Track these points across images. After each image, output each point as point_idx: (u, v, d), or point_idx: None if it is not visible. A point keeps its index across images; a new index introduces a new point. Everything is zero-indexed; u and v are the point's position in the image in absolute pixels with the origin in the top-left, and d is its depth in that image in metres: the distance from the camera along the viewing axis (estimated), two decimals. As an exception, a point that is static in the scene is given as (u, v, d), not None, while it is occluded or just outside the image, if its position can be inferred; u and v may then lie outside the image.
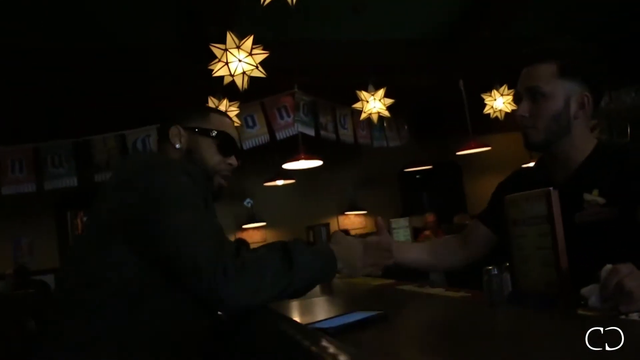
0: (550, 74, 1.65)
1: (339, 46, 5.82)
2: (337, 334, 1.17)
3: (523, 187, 1.68)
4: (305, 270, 1.47)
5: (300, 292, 1.50)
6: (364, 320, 1.28)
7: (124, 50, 5.17)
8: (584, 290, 1.18)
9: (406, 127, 7.82)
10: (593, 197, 1.58)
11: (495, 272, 1.37)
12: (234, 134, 1.87)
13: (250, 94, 5.94)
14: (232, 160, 1.83)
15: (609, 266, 1.15)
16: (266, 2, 2.22)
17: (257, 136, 6.22)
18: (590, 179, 1.61)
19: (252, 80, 4.56)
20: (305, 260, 1.48)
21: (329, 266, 1.57)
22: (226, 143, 1.82)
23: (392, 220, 4.60)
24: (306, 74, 5.91)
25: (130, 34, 5.14)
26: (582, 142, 1.69)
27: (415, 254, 2.14)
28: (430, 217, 7.74)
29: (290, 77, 6.00)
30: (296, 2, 2.19)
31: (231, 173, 1.85)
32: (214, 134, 1.80)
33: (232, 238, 8.67)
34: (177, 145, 1.77)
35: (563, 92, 1.65)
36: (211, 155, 1.79)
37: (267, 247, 1.58)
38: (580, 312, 1.14)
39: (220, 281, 1.32)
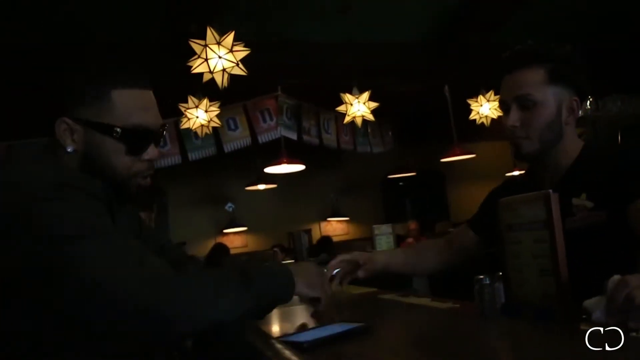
0: (539, 80, 1.57)
1: (324, 47, 5.72)
2: (312, 348, 1.09)
3: (514, 194, 1.66)
4: (265, 283, 1.26)
5: (262, 309, 1.30)
6: (344, 333, 1.17)
7: (99, 44, 5.02)
8: (588, 303, 1.08)
9: (390, 133, 7.73)
10: (581, 201, 1.51)
11: (487, 282, 1.27)
12: (149, 117, 1.33)
13: (233, 96, 5.83)
14: (151, 153, 1.35)
15: (616, 277, 1.05)
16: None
17: (239, 139, 6.11)
18: (578, 183, 1.54)
19: (235, 81, 4.45)
20: (263, 273, 1.28)
21: (286, 282, 1.34)
22: (138, 138, 1.31)
23: (374, 226, 4.53)
24: (290, 76, 5.80)
25: (105, 29, 4.99)
26: (571, 146, 1.62)
27: (393, 257, 2.05)
28: (412, 225, 7.66)
29: (273, 79, 5.89)
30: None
31: (152, 169, 1.38)
32: (119, 133, 1.27)
33: (212, 242, 8.59)
34: (69, 148, 1.27)
35: (554, 99, 1.57)
36: (119, 160, 1.30)
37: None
38: (582, 327, 1.03)
39: (163, 297, 1.08)
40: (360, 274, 1.85)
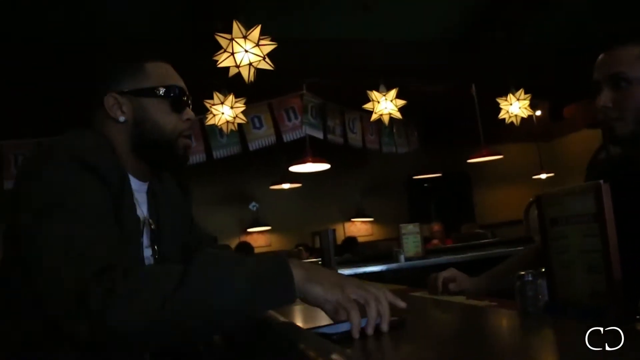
0: (634, 58, 1.47)
1: (348, 46, 5.66)
2: (341, 340, 1.03)
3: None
4: (206, 286, 1.07)
5: (214, 318, 1.09)
6: (376, 327, 1.08)
7: (126, 41, 5.02)
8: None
9: (416, 133, 7.65)
10: None
11: (530, 278, 1.21)
12: (180, 82, 1.51)
13: (258, 94, 5.80)
14: (189, 113, 1.50)
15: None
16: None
17: (264, 137, 6.07)
18: None
19: (260, 78, 4.41)
20: (212, 271, 1.09)
21: (265, 278, 1.10)
22: (178, 97, 1.47)
23: (402, 225, 4.47)
24: (315, 75, 5.75)
25: (130, 26, 4.98)
26: None
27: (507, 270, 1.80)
28: (436, 227, 7.58)
29: (298, 78, 5.85)
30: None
31: (192, 129, 1.57)
32: (161, 92, 1.44)
33: (236, 242, 8.57)
34: (122, 118, 1.41)
35: None
36: (165, 118, 1.44)
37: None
38: (638, 327, 0.96)
39: (99, 301, 1.02)
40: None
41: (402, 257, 4.24)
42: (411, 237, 4.36)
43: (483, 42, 5.95)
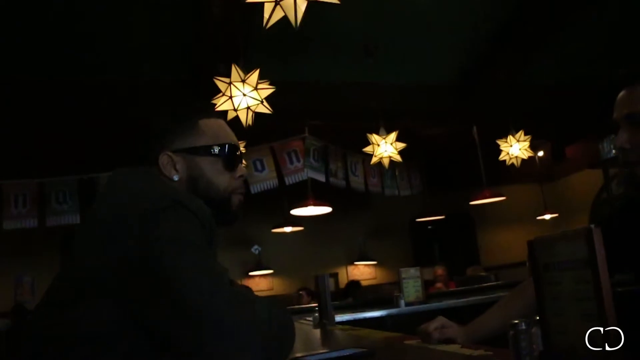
0: None
1: (350, 88, 5.71)
2: None
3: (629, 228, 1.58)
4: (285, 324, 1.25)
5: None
6: (346, 357, 1.32)
7: (133, 85, 5.09)
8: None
9: (418, 175, 7.64)
10: None
11: (523, 327, 1.17)
12: (233, 138, 1.52)
13: (259, 137, 5.82)
14: (241, 170, 1.51)
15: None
16: (269, 25, 2.06)
17: (266, 180, 6.07)
18: None
19: (261, 122, 4.42)
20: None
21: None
22: (231, 155, 1.47)
23: (402, 269, 4.39)
24: (317, 117, 5.78)
25: (136, 69, 5.05)
26: None
27: (492, 321, 1.77)
28: (439, 270, 7.51)
29: (300, 120, 5.88)
30: (300, 26, 2.01)
31: (244, 187, 1.55)
32: (215, 150, 1.44)
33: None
34: (175, 177, 1.42)
35: None
36: (219, 177, 1.45)
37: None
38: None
39: (241, 338, 1.10)
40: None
41: (402, 302, 4.16)
42: (411, 281, 4.30)
43: (483, 84, 6.00)
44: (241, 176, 1.51)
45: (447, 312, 1.96)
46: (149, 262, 1.14)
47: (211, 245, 1.30)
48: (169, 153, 1.42)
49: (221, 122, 1.53)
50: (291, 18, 2.04)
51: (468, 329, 1.72)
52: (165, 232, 1.17)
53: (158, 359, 1.17)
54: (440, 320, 1.69)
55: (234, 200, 1.49)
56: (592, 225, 1.05)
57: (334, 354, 1.37)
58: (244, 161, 1.53)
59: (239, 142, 4.61)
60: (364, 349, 1.36)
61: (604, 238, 1.72)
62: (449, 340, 1.64)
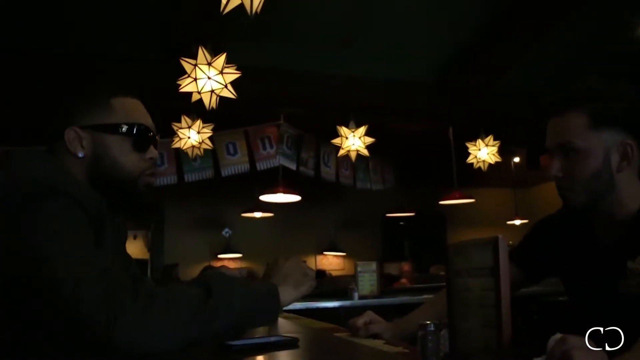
0: (581, 124, 1.44)
1: (325, 79, 5.70)
2: (240, 351, 1.29)
3: (562, 237, 1.64)
4: (228, 302, 1.20)
5: (226, 330, 1.22)
6: (272, 343, 1.38)
7: (99, 56, 5.00)
8: (536, 360, 1.01)
9: (392, 171, 7.67)
10: (636, 265, 1.39)
11: (432, 329, 1.20)
12: (147, 119, 1.49)
13: (234, 121, 5.81)
14: (152, 152, 1.48)
15: (557, 335, 0.98)
16: (225, 11, 2.05)
17: (237, 164, 6.05)
18: (636, 241, 1.41)
19: (237, 107, 4.40)
20: (228, 289, 1.22)
21: (264, 296, 1.31)
22: (141, 135, 1.45)
23: (358, 263, 4.44)
24: (290, 105, 5.78)
25: (108, 44, 4.98)
26: (629, 196, 1.47)
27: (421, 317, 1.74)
28: (405, 267, 7.57)
29: (276, 108, 5.87)
30: (256, 13, 2.00)
31: (155, 167, 1.53)
32: (124, 129, 1.42)
33: (203, 267, 8.43)
34: (80, 154, 1.39)
35: (600, 144, 1.43)
36: (126, 156, 1.43)
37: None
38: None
39: (118, 325, 1.04)
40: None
41: (356, 295, 4.21)
42: (367, 275, 4.34)
43: (460, 86, 6.01)
44: (151, 158, 1.48)
45: (402, 308, 1.99)
46: (23, 251, 1.12)
47: (102, 232, 1.28)
48: (76, 129, 1.40)
49: (136, 102, 1.50)
50: (247, 5, 2.04)
51: (395, 326, 1.76)
52: (42, 222, 1.15)
53: (41, 348, 1.17)
54: (369, 315, 1.72)
55: (141, 182, 1.46)
56: (500, 236, 1.08)
57: (260, 340, 1.41)
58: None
59: (208, 124, 4.57)
60: (290, 337, 1.41)
61: (539, 243, 1.77)
62: (376, 335, 1.68)
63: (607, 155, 1.44)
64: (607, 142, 1.44)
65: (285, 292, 1.36)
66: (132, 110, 1.47)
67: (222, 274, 1.28)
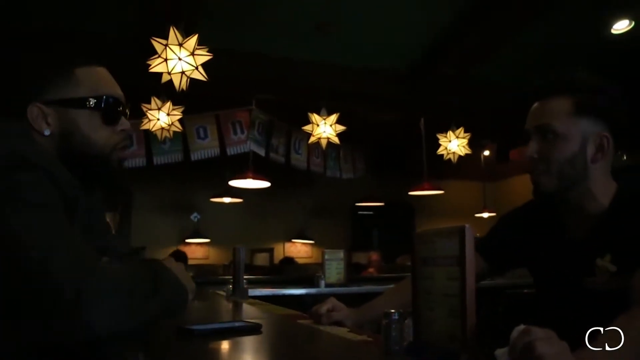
0: (563, 110, 1.45)
1: (298, 65, 5.66)
2: (202, 336, 1.29)
3: (531, 230, 1.63)
4: (171, 286, 1.19)
5: (172, 311, 1.20)
6: (234, 329, 1.39)
7: (74, 31, 4.88)
8: (498, 352, 1.01)
9: (363, 160, 7.68)
10: (604, 262, 1.40)
11: (396, 317, 1.19)
12: (115, 89, 1.39)
13: (205, 105, 5.74)
14: (124, 124, 1.39)
15: (521, 326, 0.98)
16: None
17: (207, 148, 6.01)
18: (605, 240, 1.42)
19: (208, 90, 4.34)
20: (171, 276, 1.20)
21: (183, 294, 1.25)
22: (111, 108, 1.35)
23: (326, 250, 4.42)
24: (263, 90, 5.73)
25: (79, 19, 4.87)
26: (601, 190, 1.48)
27: (379, 307, 1.74)
28: (373, 256, 7.61)
29: (249, 92, 5.82)
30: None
31: (127, 140, 1.44)
32: (92, 103, 1.32)
33: (172, 250, 8.40)
34: (46, 132, 1.29)
35: (579, 132, 1.44)
36: (97, 132, 1.33)
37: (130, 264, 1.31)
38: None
39: (82, 299, 1.00)
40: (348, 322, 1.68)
41: (322, 283, 4.21)
42: (335, 263, 4.34)
43: (433, 77, 6.03)
44: (123, 130, 1.39)
45: (368, 297, 1.99)
46: None
47: (74, 208, 1.24)
48: (39, 105, 1.29)
49: (102, 70, 1.39)
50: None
51: (356, 313, 1.75)
52: (14, 193, 1.09)
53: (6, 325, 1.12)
54: (332, 302, 1.71)
55: (114, 156, 1.38)
56: (467, 225, 1.08)
57: (222, 325, 1.42)
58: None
59: (178, 107, 4.49)
60: (253, 322, 1.39)
61: (505, 235, 1.77)
62: (339, 323, 1.67)
63: (584, 143, 1.45)
64: (585, 131, 1.45)
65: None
66: (98, 80, 1.36)
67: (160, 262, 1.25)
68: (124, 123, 1.40)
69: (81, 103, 1.31)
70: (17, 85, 1.33)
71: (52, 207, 1.14)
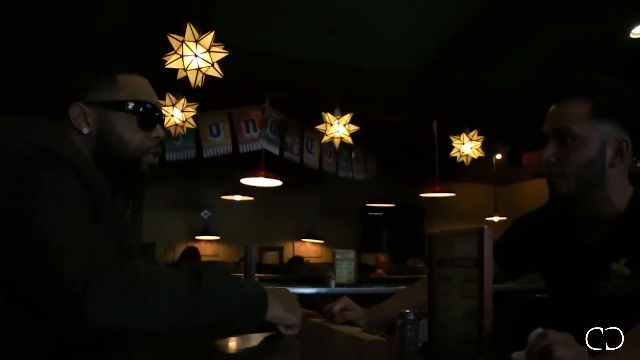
0: (582, 113, 1.43)
1: (312, 65, 5.67)
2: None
3: (545, 234, 1.62)
4: (217, 296, 1.15)
5: (210, 325, 1.16)
6: None
7: (83, 34, 4.91)
8: (515, 355, 1.00)
9: (375, 161, 7.66)
10: (619, 266, 1.38)
11: (411, 317, 1.18)
12: (153, 97, 1.47)
13: (218, 102, 5.75)
14: (158, 132, 1.47)
15: (538, 330, 0.97)
16: None
17: (220, 146, 6.01)
18: (620, 244, 1.40)
19: (222, 87, 4.34)
20: (219, 283, 1.17)
21: (254, 301, 1.25)
22: (148, 114, 1.43)
23: (337, 250, 4.41)
24: (276, 90, 5.73)
25: (97, 19, 4.90)
26: (618, 195, 1.46)
27: (393, 307, 1.77)
28: (382, 258, 7.56)
29: (262, 91, 5.83)
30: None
31: (160, 147, 1.51)
32: (130, 106, 1.40)
33: (183, 247, 8.43)
34: (85, 130, 1.36)
35: (598, 136, 1.42)
36: (132, 134, 1.40)
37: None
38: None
39: (90, 294, 1.01)
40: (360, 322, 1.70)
41: (332, 282, 4.20)
42: (345, 263, 4.32)
43: (445, 79, 6.01)
44: (157, 137, 1.46)
45: (377, 297, 1.99)
46: (19, 215, 1.09)
47: (101, 207, 1.26)
48: (81, 105, 1.37)
49: (142, 79, 1.47)
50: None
51: (369, 313, 1.75)
52: (41, 187, 1.12)
53: (19, 313, 1.14)
54: (345, 301, 1.71)
55: (145, 161, 1.44)
56: (485, 227, 1.07)
57: None
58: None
59: (192, 103, 4.52)
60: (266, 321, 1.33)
61: (519, 239, 1.75)
62: (351, 323, 1.67)
63: (602, 147, 1.43)
64: (604, 135, 1.43)
65: (275, 306, 1.30)
66: (138, 87, 1.44)
67: (216, 267, 1.25)
68: (159, 130, 1.47)
69: (120, 106, 1.39)
70: (63, 85, 1.41)
71: (75, 203, 1.16)
